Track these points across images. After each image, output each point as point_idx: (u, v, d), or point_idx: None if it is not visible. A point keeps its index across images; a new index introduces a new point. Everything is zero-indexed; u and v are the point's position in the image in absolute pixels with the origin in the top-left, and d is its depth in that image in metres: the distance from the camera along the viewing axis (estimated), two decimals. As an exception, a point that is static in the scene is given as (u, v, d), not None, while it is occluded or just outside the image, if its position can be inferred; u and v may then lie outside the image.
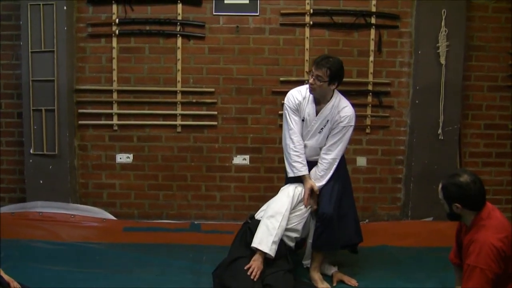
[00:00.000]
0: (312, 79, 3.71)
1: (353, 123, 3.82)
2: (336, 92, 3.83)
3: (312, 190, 3.85)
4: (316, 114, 3.84)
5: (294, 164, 3.86)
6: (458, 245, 3.27)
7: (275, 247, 3.62)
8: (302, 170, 3.86)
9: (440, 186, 3.06)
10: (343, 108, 3.79)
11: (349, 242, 4.03)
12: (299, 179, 3.92)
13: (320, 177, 3.84)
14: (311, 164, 3.94)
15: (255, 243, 3.64)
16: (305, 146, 3.93)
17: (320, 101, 3.82)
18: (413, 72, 5.09)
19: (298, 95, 3.88)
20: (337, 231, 3.87)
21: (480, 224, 2.93)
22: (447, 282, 3.79)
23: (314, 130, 3.86)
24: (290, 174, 3.91)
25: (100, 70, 5.10)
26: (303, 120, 3.89)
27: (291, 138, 3.87)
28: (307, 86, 3.84)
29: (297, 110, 3.87)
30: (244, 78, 5.12)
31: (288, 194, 3.82)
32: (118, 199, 5.25)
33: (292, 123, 3.88)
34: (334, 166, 3.84)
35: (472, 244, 2.87)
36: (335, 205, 3.82)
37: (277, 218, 3.68)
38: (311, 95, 3.82)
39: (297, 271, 3.97)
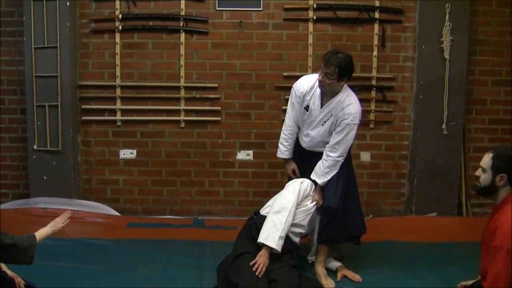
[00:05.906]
0: (321, 76, 3.68)
1: (357, 121, 3.79)
2: (345, 87, 3.81)
3: (316, 184, 3.87)
4: (322, 106, 3.83)
5: (280, 145, 4.12)
6: None
7: (281, 242, 3.62)
8: (285, 154, 4.11)
9: (490, 155, 2.98)
10: (348, 105, 3.75)
11: (355, 234, 4.05)
12: (304, 175, 3.94)
13: (325, 174, 3.83)
14: (313, 154, 3.95)
15: (261, 239, 3.63)
16: (307, 135, 3.97)
17: (328, 94, 3.81)
18: (417, 66, 5.07)
19: (306, 84, 3.88)
20: (342, 224, 3.88)
21: (509, 205, 2.89)
22: (451, 277, 3.77)
23: (317, 121, 3.86)
24: (277, 154, 4.16)
25: (103, 65, 5.09)
26: (306, 109, 3.89)
27: (285, 121, 4.08)
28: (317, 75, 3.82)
29: (301, 98, 3.91)
30: (247, 73, 5.12)
31: (294, 189, 3.81)
32: (121, 195, 5.25)
33: (290, 108, 4.02)
34: (339, 165, 3.83)
35: (499, 227, 2.84)
36: (340, 198, 3.82)
37: (284, 213, 3.68)
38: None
39: (301, 266, 3.97)
